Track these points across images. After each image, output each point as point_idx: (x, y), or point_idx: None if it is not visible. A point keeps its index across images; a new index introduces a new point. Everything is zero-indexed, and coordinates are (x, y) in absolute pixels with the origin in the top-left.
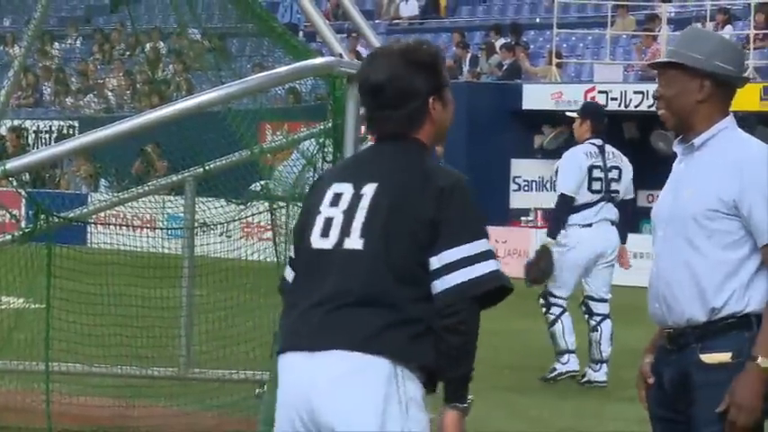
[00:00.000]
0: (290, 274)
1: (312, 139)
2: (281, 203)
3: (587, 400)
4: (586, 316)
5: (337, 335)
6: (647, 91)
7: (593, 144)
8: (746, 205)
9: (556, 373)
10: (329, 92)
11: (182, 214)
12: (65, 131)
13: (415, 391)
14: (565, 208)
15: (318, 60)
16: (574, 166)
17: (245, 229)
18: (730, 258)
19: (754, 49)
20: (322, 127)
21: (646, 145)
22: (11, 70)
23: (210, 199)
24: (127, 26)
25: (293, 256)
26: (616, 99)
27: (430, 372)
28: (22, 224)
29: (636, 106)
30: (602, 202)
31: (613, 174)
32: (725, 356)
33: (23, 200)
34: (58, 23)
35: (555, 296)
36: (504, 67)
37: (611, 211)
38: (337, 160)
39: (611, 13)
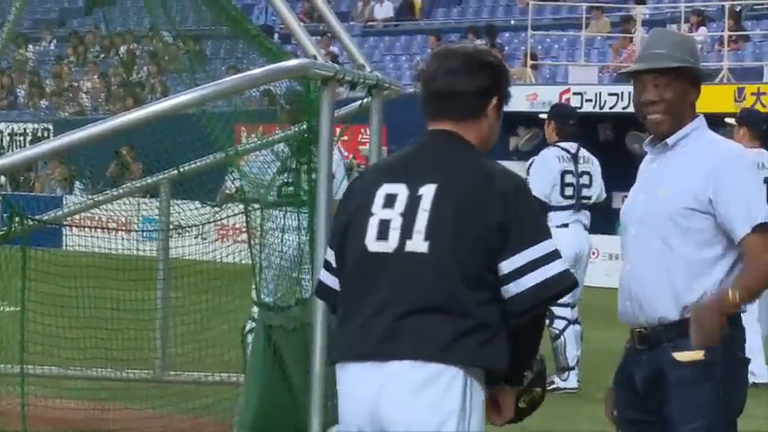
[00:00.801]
0: (330, 279)
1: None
2: (256, 205)
3: (562, 401)
4: (547, 322)
5: (407, 344)
6: (622, 92)
7: (566, 149)
8: (723, 203)
9: (553, 387)
10: (304, 94)
11: (156, 216)
12: (39, 134)
13: (480, 396)
14: (542, 210)
15: (293, 62)
16: (545, 170)
17: (221, 232)
18: (704, 257)
19: (729, 51)
20: (296, 129)
21: (621, 146)
22: None
23: (185, 201)
24: (101, 29)
25: (331, 261)
26: (591, 101)
27: (495, 374)
28: None
29: (611, 108)
30: (574, 209)
31: (584, 179)
32: (698, 354)
33: None
34: (32, 26)
35: (558, 305)
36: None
37: (584, 215)
38: (312, 161)
39: (585, 14)
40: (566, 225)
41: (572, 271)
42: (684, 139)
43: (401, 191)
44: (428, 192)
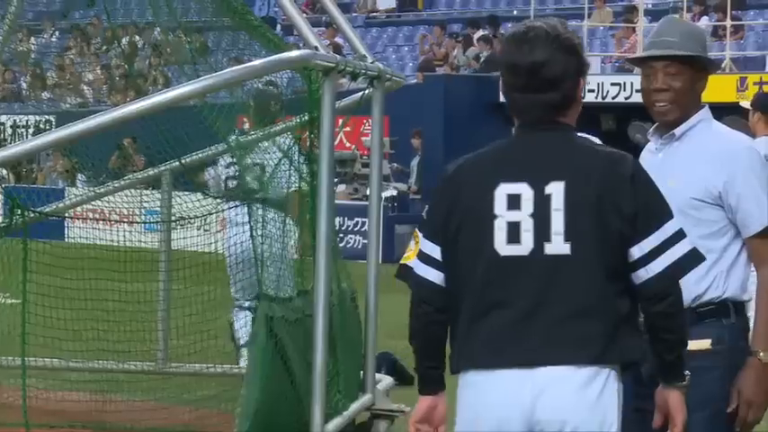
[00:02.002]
0: (432, 274)
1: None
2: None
3: None
4: None
5: (563, 349)
6: (624, 83)
7: None
8: (734, 196)
9: None
10: (305, 85)
11: (158, 208)
12: (42, 126)
13: (621, 388)
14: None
15: (294, 53)
16: None
17: (223, 223)
18: (713, 247)
19: (731, 40)
20: (298, 120)
21: (623, 136)
22: None
23: (187, 193)
24: (103, 20)
25: (434, 256)
26: (593, 91)
27: (631, 365)
28: None
29: (613, 98)
30: None
31: None
32: (704, 343)
33: (0, 195)
34: (34, 18)
35: None
36: (482, 60)
37: None
38: (314, 153)
39: (588, 5)
40: None
41: None
42: (692, 129)
43: (524, 190)
44: (556, 190)
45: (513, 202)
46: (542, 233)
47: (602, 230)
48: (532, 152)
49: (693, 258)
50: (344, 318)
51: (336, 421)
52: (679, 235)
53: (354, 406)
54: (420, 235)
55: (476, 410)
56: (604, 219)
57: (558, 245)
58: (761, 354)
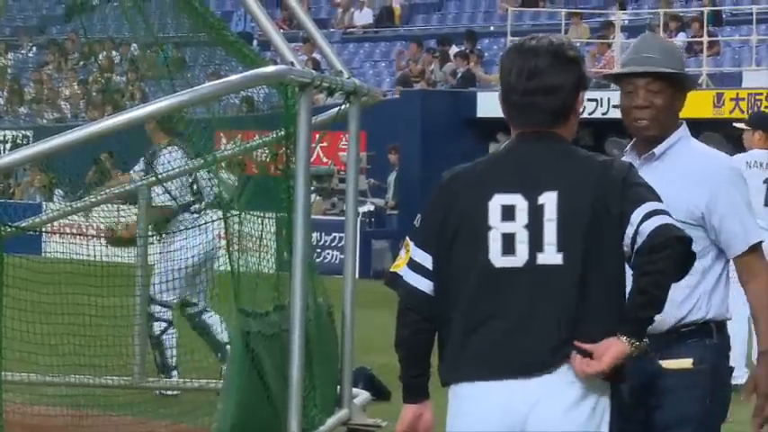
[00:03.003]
0: (422, 283)
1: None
2: (234, 211)
3: None
4: None
5: (552, 360)
6: (601, 98)
7: None
8: (716, 217)
9: None
10: (281, 100)
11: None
12: (19, 141)
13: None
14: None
15: (270, 69)
16: None
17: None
18: (696, 268)
19: (707, 56)
20: (274, 135)
21: (600, 152)
22: None
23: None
24: (80, 36)
25: (425, 265)
26: None
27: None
28: None
29: (590, 114)
30: None
31: None
32: (686, 362)
33: None
34: (12, 33)
35: None
36: (459, 75)
37: None
38: (290, 168)
39: (564, 20)
40: None
41: None
42: (671, 148)
43: (518, 201)
44: (549, 200)
45: (508, 213)
46: (536, 244)
47: (595, 239)
48: (527, 162)
49: (682, 232)
50: (321, 332)
51: None
52: (666, 212)
53: (331, 420)
54: (411, 243)
55: (468, 423)
56: (597, 226)
57: (550, 255)
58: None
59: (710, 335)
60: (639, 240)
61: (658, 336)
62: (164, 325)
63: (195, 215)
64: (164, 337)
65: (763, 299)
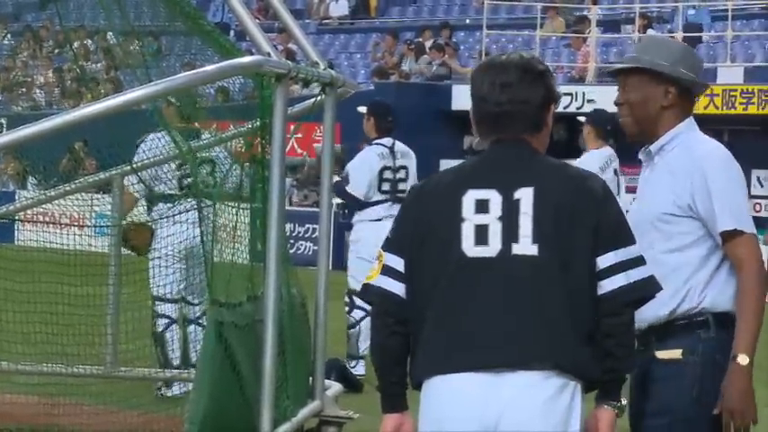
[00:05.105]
0: (395, 286)
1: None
2: (209, 201)
3: None
4: (347, 309)
5: (527, 353)
6: (576, 93)
7: (384, 145)
8: (700, 201)
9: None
10: (257, 91)
11: (109, 212)
12: None
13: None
14: (354, 207)
15: (246, 59)
16: (365, 169)
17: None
18: (688, 260)
19: None
20: (250, 126)
21: (574, 146)
22: None
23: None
24: (55, 23)
25: (397, 268)
26: None
27: (593, 385)
28: None
29: (564, 108)
30: (390, 202)
31: (401, 173)
32: (676, 353)
33: None
34: None
35: (358, 295)
36: (434, 68)
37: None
38: (265, 158)
39: (540, 14)
40: (379, 219)
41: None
42: (667, 145)
43: (493, 196)
44: (525, 195)
45: (482, 206)
46: (510, 235)
47: (569, 238)
48: (501, 164)
49: (650, 285)
50: (294, 324)
51: (285, 427)
52: (639, 261)
53: (303, 412)
54: (384, 253)
55: (440, 418)
56: (572, 227)
57: (525, 246)
58: (738, 357)
59: (706, 326)
60: (607, 287)
61: (658, 326)
62: (166, 321)
63: (169, 204)
64: (167, 334)
65: (745, 294)
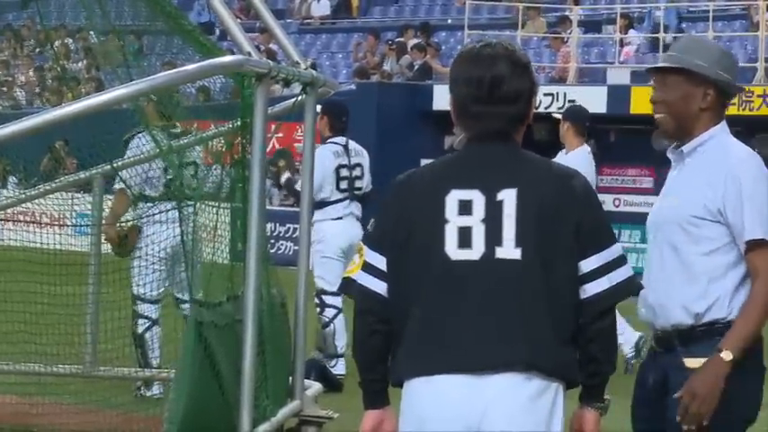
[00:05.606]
0: (377, 284)
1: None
2: (189, 201)
3: None
4: (318, 309)
5: (509, 355)
6: (557, 93)
7: (338, 144)
8: (731, 209)
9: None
10: (238, 90)
11: (89, 212)
12: None
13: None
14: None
15: (227, 59)
16: (319, 167)
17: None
18: (715, 264)
19: (662, 53)
20: (231, 125)
21: (555, 146)
22: None
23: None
24: (36, 22)
25: (379, 266)
26: None
27: (573, 385)
28: None
29: (546, 108)
30: (348, 200)
31: (357, 171)
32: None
33: None
34: None
35: (328, 294)
36: (415, 68)
37: (356, 207)
38: (246, 158)
39: (522, 15)
40: (340, 218)
41: (343, 261)
42: (701, 146)
43: (476, 197)
44: (508, 197)
45: (465, 207)
46: (494, 238)
47: (552, 239)
48: (484, 162)
49: (631, 285)
50: (274, 324)
51: (264, 427)
52: (621, 261)
53: (283, 412)
54: (365, 247)
55: (423, 419)
56: (555, 228)
57: (509, 249)
58: (723, 352)
59: None
60: (591, 290)
61: (683, 331)
62: (147, 323)
63: (149, 204)
64: (146, 335)
65: (753, 301)
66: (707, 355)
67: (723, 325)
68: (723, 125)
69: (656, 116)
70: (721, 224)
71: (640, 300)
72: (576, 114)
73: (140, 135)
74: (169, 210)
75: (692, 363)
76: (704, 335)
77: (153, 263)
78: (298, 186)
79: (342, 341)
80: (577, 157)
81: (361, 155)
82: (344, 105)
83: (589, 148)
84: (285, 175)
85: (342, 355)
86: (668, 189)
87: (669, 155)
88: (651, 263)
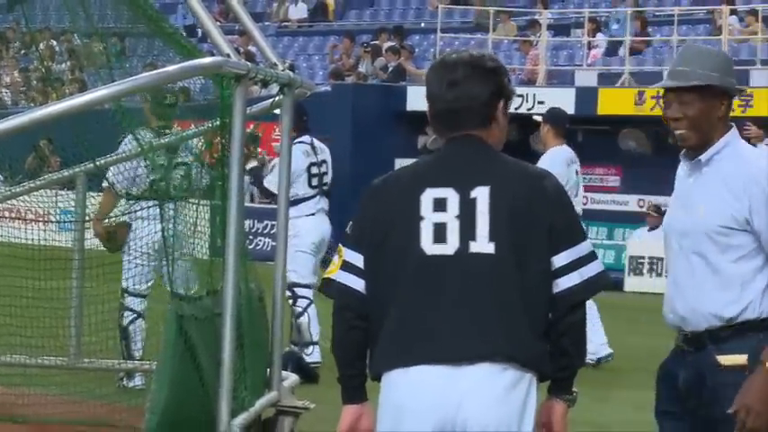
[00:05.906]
0: (355, 282)
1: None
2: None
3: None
4: (291, 301)
5: (485, 346)
6: (527, 94)
7: (305, 143)
8: (758, 221)
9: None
10: (217, 91)
11: (73, 208)
12: None
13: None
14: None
15: (207, 60)
16: (293, 166)
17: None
18: (744, 270)
19: (630, 55)
20: (210, 125)
21: (526, 147)
22: None
23: (101, 194)
24: (22, 25)
25: (356, 264)
26: None
27: (545, 378)
28: None
29: (516, 109)
30: (319, 196)
31: (323, 168)
32: (741, 359)
33: None
34: None
35: (299, 286)
36: (390, 70)
37: (325, 202)
38: (225, 157)
39: (493, 18)
40: (313, 214)
41: (316, 255)
42: (718, 154)
43: (450, 195)
44: (481, 194)
45: (440, 205)
46: (468, 233)
47: (525, 235)
48: (458, 162)
49: (603, 280)
50: (252, 317)
51: (242, 417)
52: (591, 257)
53: (260, 402)
54: (344, 248)
55: (400, 410)
56: (527, 225)
57: (482, 244)
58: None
59: (767, 330)
60: (564, 284)
61: (714, 330)
62: (132, 315)
63: (132, 202)
64: (130, 327)
65: None
66: (739, 352)
67: (758, 323)
68: (734, 130)
69: (677, 132)
70: (748, 232)
71: (666, 306)
72: (555, 117)
73: (129, 137)
74: (150, 206)
75: (726, 360)
76: (735, 333)
77: (136, 257)
78: (266, 183)
79: (315, 329)
80: (551, 158)
81: (324, 152)
82: (303, 106)
83: (571, 151)
84: (252, 163)
85: (317, 343)
86: (688, 198)
87: (684, 164)
88: (677, 270)
